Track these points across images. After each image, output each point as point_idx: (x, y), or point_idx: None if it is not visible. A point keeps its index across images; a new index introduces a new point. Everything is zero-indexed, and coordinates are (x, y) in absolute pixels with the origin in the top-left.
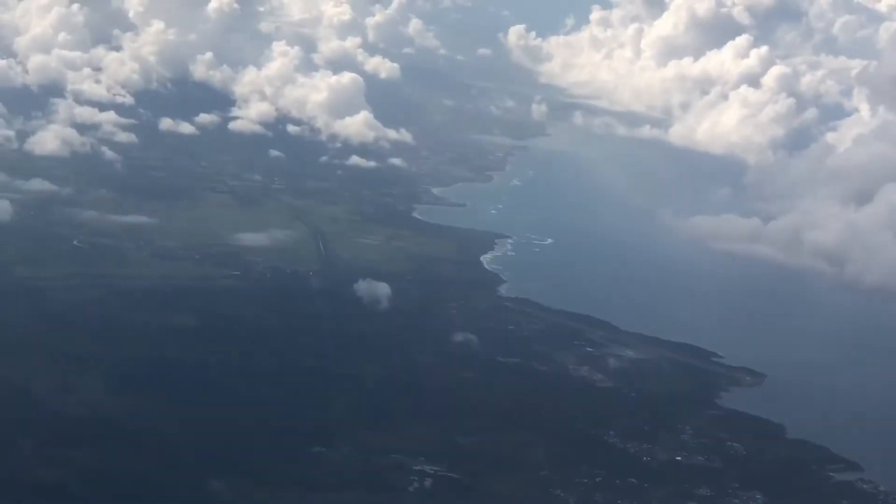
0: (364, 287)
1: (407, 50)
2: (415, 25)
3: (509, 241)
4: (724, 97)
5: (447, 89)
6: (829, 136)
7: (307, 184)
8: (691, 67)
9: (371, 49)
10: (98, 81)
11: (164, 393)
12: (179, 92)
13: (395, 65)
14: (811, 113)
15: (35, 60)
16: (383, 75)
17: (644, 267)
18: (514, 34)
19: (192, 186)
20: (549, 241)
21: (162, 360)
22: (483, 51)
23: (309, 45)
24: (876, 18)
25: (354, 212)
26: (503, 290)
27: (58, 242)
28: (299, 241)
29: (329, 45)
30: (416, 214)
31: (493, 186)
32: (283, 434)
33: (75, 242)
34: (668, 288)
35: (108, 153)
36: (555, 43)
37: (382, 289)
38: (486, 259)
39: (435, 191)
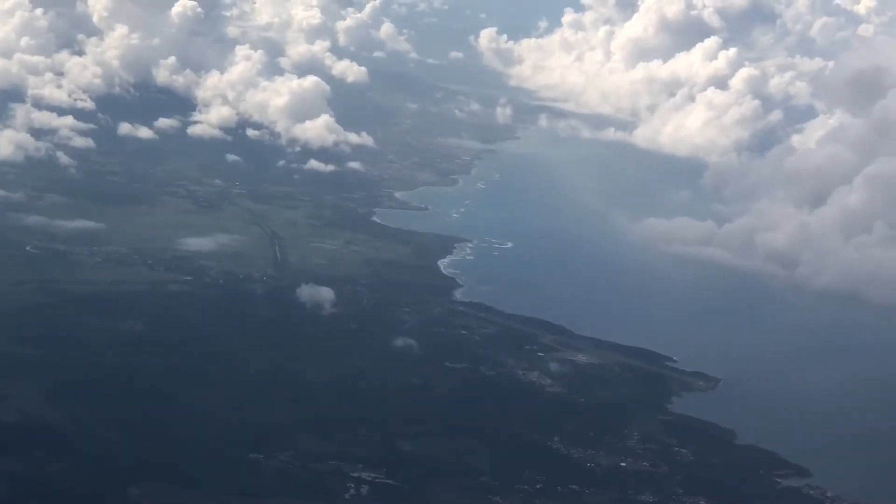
0: (307, 292)
1: (378, 53)
2: (386, 29)
3: (469, 244)
4: (691, 99)
5: (415, 93)
6: (795, 139)
7: (268, 188)
8: (660, 70)
9: (340, 53)
10: (60, 86)
11: (103, 399)
12: (141, 96)
13: (363, 69)
14: (777, 115)
15: None
16: (350, 79)
17: (601, 270)
18: (486, 37)
19: (150, 191)
20: (509, 244)
21: (105, 367)
22: (455, 54)
23: (276, 50)
24: (854, 20)
25: (314, 216)
26: (458, 294)
27: (9, 248)
28: (255, 246)
29: (297, 49)
30: (375, 218)
31: (457, 190)
32: (222, 440)
33: (28, 248)
34: (623, 292)
35: (64, 158)
36: (526, 45)
37: (326, 293)
38: (443, 263)
39: (397, 195)
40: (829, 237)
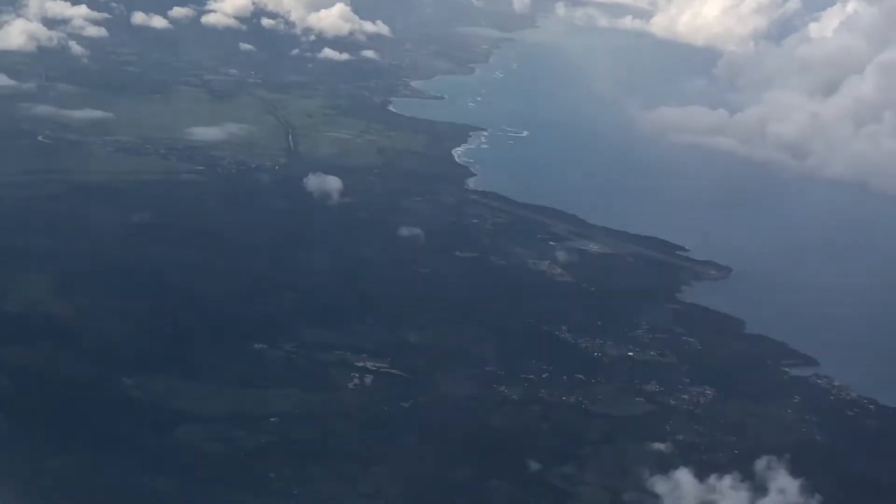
0: (315, 181)
1: None
2: None
3: (484, 133)
4: None
5: None
6: (812, 27)
7: (283, 77)
8: None
9: None
10: None
11: (109, 290)
12: None
13: None
14: (795, 3)
15: None
16: None
17: (615, 160)
18: None
19: (164, 81)
20: (525, 133)
21: (113, 257)
22: None
23: None
24: None
25: (329, 105)
26: (472, 183)
27: (21, 138)
28: (269, 136)
29: None
30: (391, 108)
31: (474, 79)
32: (226, 331)
33: (40, 138)
34: (636, 181)
35: (76, 48)
36: None
37: (334, 182)
38: (457, 152)
39: (414, 84)
40: (839, 127)
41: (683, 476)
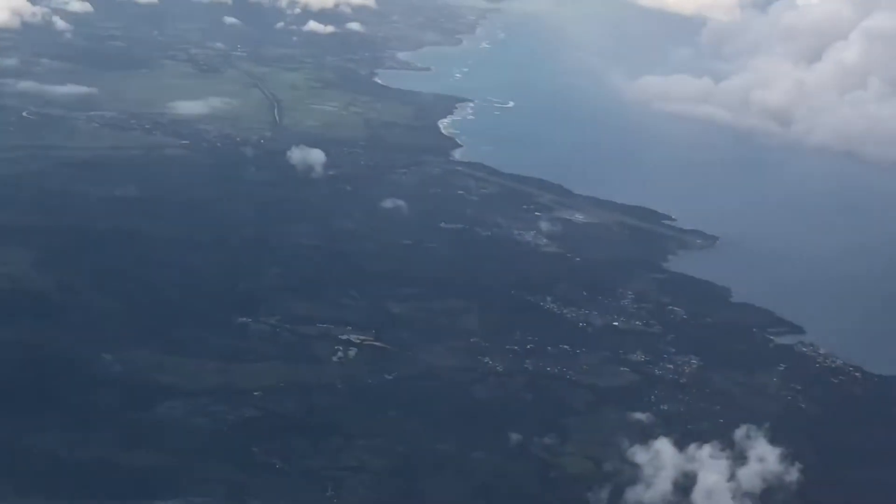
0: (298, 154)
1: None
2: None
3: (471, 104)
4: None
5: None
6: None
7: (269, 50)
8: None
9: None
10: None
11: (93, 265)
12: None
13: None
14: None
15: None
16: None
17: (601, 129)
18: None
19: (150, 56)
20: (511, 104)
21: (96, 232)
22: None
23: None
24: None
25: (315, 78)
26: (458, 154)
27: (5, 114)
28: (255, 109)
29: None
30: (377, 80)
31: (461, 50)
32: (209, 305)
33: (24, 114)
34: (623, 150)
35: (60, 23)
36: None
37: (317, 155)
38: (444, 124)
39: (400, 55)
40: (824, 93)
41: (663, 445)
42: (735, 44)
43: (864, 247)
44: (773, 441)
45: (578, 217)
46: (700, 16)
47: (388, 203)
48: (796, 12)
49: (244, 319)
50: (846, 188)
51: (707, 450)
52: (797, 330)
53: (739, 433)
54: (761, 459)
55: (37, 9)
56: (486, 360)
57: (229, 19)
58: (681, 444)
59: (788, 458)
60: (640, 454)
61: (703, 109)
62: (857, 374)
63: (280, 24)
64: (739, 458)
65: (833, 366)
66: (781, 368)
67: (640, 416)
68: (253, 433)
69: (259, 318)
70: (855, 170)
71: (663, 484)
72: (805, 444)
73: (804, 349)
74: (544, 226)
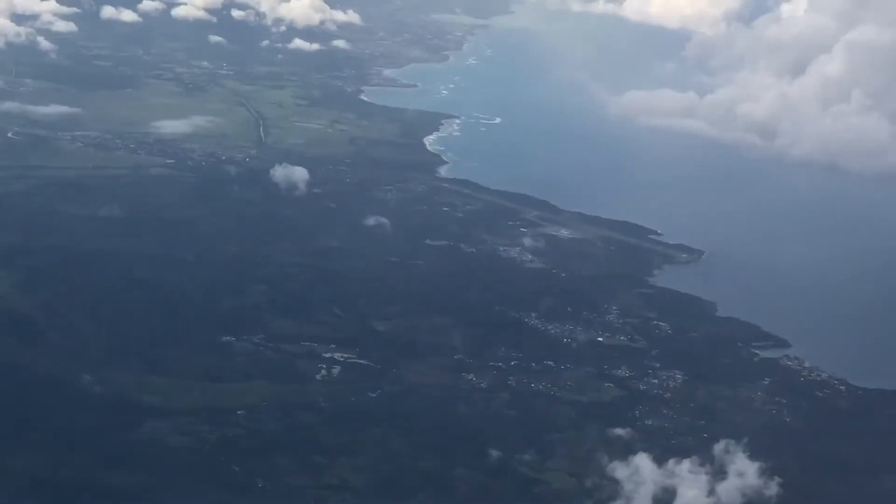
0: (281, 172)
1: None
2: None
3: (457, 121)
4: None
5: None
6: (784, 7)
7: (255, 69)
8: None
9: None
10: None
11: (76, 286)
12: None
13: None
14: None
15: None
16: None
17: (587, 145)
18: None
19: (136, 75)
20: (497, 120)
21: (80, 253)
22: None
23: None
24: None
25: (301, 96)
26: (443, 171)
27: None
28: (240, 127)
29: None
30: (363, 97)
31: (447, 66)
32: (193, 324)
33: (9, 135)
34: (608, 166)
35: (45, 43)
36: None
37: (300, 173)
38: (429, 140)
39: (387, 72)
40: (807, 107)
41: (643, 461)
42: (720, 57)
43: (849, 259)
44: (753, 455)
45: (564, 232)
46: (685, 30)
47: (372, 220)
48: (780, 26)
49: (228, 338)
50: (830, 201)
51: (687, 465)
52: (782, 343)
53: (719, 448)
54: (741, 474)
55: (21, 29)
56: (471, 376)
57: (214, 38)
58: (662, 460)
59: (768, 472)
60: (620, 470)
61: (688, 123)
62: (841, 387)
63: (265, 42)
64: (719, 473)
65: (818, 379)
66: (766, 382)
67: (622, 431)
68: (235, 452)
69: (243, 337)
70: (838, 182)
71: (643, 500)
72: (788, 457)
73: (789, 363)
74: (529, 242)
